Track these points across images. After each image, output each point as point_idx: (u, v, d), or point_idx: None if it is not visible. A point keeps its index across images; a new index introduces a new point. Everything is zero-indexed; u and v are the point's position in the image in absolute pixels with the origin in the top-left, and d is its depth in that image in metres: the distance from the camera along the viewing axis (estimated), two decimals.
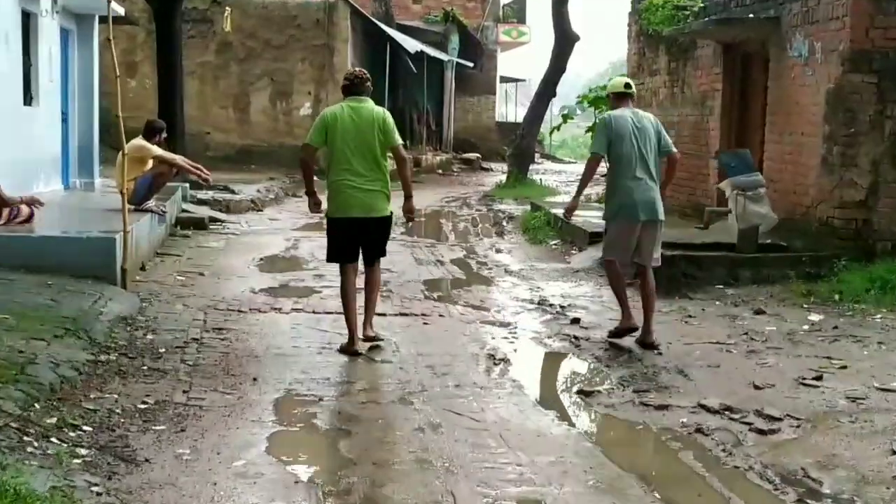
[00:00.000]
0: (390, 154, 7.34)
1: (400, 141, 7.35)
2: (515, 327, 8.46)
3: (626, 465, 5.21)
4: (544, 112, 24.09)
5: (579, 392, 6.47)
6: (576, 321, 8.49)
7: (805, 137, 10.39)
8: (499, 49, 34.01)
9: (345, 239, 7.31)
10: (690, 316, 8.67)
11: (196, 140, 23.70)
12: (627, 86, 7.68)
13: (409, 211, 7.51)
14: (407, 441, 5.41)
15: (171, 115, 17.51)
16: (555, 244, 13.64)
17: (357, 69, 7.47)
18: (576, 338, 7.92)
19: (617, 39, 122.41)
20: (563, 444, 5.46)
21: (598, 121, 7.66)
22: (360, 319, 7.42)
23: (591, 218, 14.14)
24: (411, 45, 25.57)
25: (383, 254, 7.61)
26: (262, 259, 11.89)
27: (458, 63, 29.73)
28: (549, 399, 6.52)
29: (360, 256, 7.49)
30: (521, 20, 34.56)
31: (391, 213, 7.39)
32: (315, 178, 7.87)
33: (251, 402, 5.98)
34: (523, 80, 39.44)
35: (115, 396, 5.88)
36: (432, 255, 12.70)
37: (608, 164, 7.58)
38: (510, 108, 42.62)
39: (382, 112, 7.26)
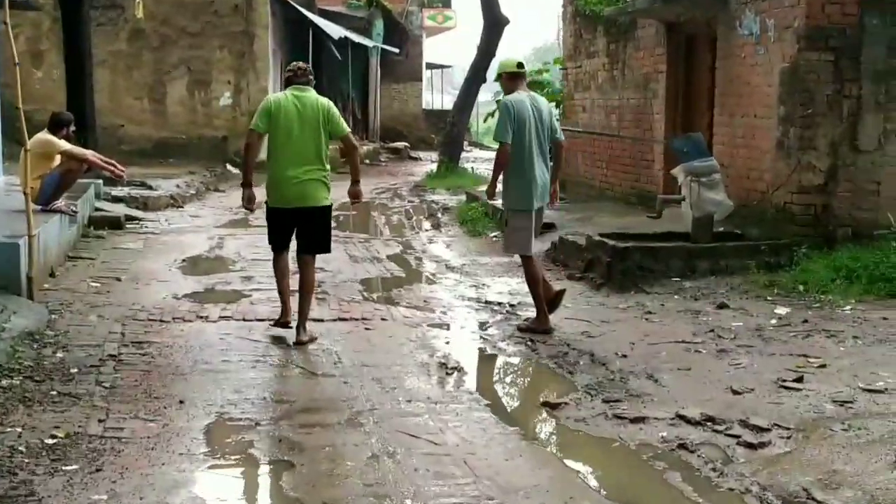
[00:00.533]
0: (335, 143, 7.28)
1: (348, 129, 7.36)
2: (465, 330, 7.83)
3: (610, 492, 4.61)
4: (474, 99, 23.49)
5: (545, 404, 5.85)
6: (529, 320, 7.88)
7: (758, 119, 9.93)
8: (424, 34, 33.30)
9: (283, 228, 7.30)
10: (650, 312, 8.12)
11: (109, 133, 22.68)
12: (520, 65, 7.51)
13: (355, 195, 7.47)
14: (360, 473, 4.72)
15: (80, 106, 16.57)
16: (495, 236, 13.03)
17: (300, 62, 7.43)
18: (531, 341, 7.31)
19: (542, 23, 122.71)
20: (537, 470, 4.84)
21: (499, 106, 7.44)
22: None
23: None
24: (335, 31, 24.74)
25: (326, 249, 7.46)
26: (184, 260, 11.06)
27: (383, 49, 28.96)
28: (512, 414, 5.91)
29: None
30: (447, 4, 33.91)
31: (331, 203, 7.32)
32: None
33: (178, 431, 5.24)
34: (449, 67, 38.82)
35: (19, 430, 5.11)
36: (367, 252, 12.00)
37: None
38: (436, 95, 41.95)
39: (327, 102, 7.22)
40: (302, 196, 7.10)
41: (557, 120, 7.37)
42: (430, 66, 35.61)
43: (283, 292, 7.41)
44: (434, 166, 25.72)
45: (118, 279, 9.59)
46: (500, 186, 7.77)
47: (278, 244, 7.42)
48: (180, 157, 23.12)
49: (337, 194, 7.76)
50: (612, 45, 13.83)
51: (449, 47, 43.09)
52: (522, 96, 7.33)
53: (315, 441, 5.15)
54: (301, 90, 7.15)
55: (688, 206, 9.48)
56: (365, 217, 16.03)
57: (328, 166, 7.22)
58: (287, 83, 7.26)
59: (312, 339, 7.17)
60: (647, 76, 12.68)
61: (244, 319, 7.93)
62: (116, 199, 15.16)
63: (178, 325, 7.67)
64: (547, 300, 7.53)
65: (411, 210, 16.85)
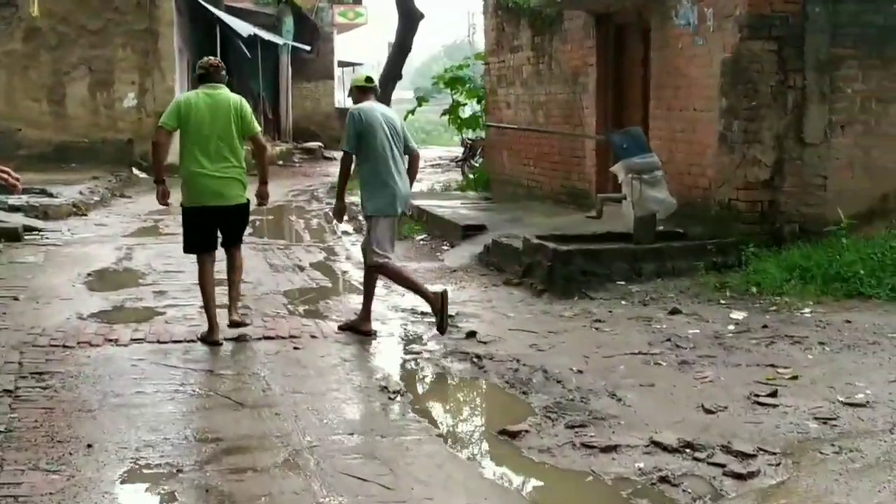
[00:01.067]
0: (247, 144, 7.25)
1: (259, 129, 7.36)
2: (403, 346, 7.21)
3: None
4: (390, 96, 22.79)
5: (503, 433, 5.24)
6: (472, 335, 7.28)
7: (699, 113, 9.52)
8: (335, 31, 32.47)
9: (201, 228, 7.21)
10: (599, 320, 7.60)
11: (5, 137, 21.53)
12: (369, 79, 7.63)
13: (262, 196, 7.44)
14: None
15: None
16: (422, 239, 12.44)
17: (211, 58, 7.34)
18: (477, 357, 6.70)
19: (453, 20, 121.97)
20: None
21: (348, 116, 7.41)
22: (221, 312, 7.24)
23: (458, 209, 13.03)
24: (244, 28, 23.84)
25: (240, 239, 7.50)
26: (89, 275, 10.21)
27: (293, 47, 28.10)
28: (468, 445, 5.31)
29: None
30: (358, 1, 33.14)
31: (248, 200, 7.27)
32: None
33: (87, 484, 4.50)
34: (360, 64, 37.98)
35: None
36: (289, 259, 11.29)
37: (359, 159, 7.30)
38: (345, 93, 41.10)
39: (239, 99, 7.17)
40: (218, 194, 7.04)
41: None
42: (342, 63, 34.79)
43: (209, 302, 7.16)
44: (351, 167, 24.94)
45: (15, 298, 8.73)
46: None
47: (199, 246, 7.29)
48: (83, 161, 22.01)
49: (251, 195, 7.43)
50: (537, 39, 13.34)
51: (360, 44, 42.26)
52: (373, 105, 7.38)
53: (248, 489, 4.46)
54: (213, 88, 7.10)
55: (629, 205, 9.00)
56: (282, 221, 15.28)
57: (243, 163, 7.16)
58: (200, 80, 7.17)
59: (245, 324, 7.24)
60: (575, 70, 12.22)
61: (159, 342, 7.17)
62: (14, 209, 14.15)
63: (84, 351, 6.88)
64: (433, 307, 7.33)
65: (331, 213, 16.12)
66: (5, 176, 10.03)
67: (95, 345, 7.05)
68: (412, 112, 20.29)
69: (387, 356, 6.91)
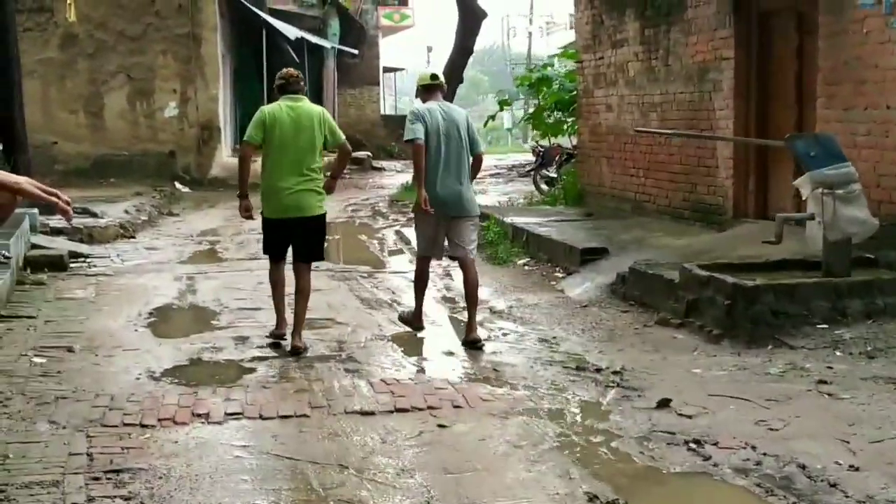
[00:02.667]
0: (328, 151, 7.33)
1: (344, 138, 7.33)
2: (580, 418, 5.53)
3: None
4: (451, 100, 21.19)
5: None
6: (664, 403, 5.60)
7: (893, 112, 7.81)
8: (380, 34, 30.91)
9: (278, 238, 7.31)
10: (823, 381, 5.89)
11: (41, 152, 20.05)
12: (434, 77, 7.55)
13: (330, 187, 7.39)
14: None
15: (8, 123, 13.99)
16: (525, 264, 10.79)
17: (290, 69, 7.35)
18: (696, 442, 5.01)
19: (487, 25, 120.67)
20: None
21: (408, 113, 7.55)
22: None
23: (558, 227, 11.36)
24: (290, 31, 22.32)
25: (321, 257, 7.58)
26: (151, 313, 8.64)
27: (338, 51, 26.55)
28: None
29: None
30: (403, 2, 31.56)
31: (325, 211, 7.32)
32: None
33: None
34: (402, 70, 36.50)
35: None
36: (379, 291, 9.68)
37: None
38: (388, 100, 39.57)
39: (321, 110, 7.24)
40: (297, 206, 7.09)
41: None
42: (386, 69, 33.22)
43: (279, 303, 7.41)
44: (404, 177, 23.57)
45: (70, 349, 7.16)
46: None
47: (275, 254, 7.42)
48: (122, 176, 20.60)
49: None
50: (648, 31, 11.67)
51: (400, 49, 40.72)
52: (432, 105, 7.29)
53: None
54: (294, 99, 7.12)
55: (817, 226, 7.30)
56: (353, 241, 13.67)
57: (321, 175, 7.22)
58: (279, 91, 7.19)
59: (306, 348, 7.09)
60: (703, 65, 10.53)
61: (261, 417, 5.55)
62: (56, 232, 12.65)
63: (169, 433, 5.27)
64: (410, 325, 7.61)
65: (403, 231, 14.47)
66: (55, 200, 8.48)
67: (181, 422, 5.44)
68: (493, 118, 18.81)
69: (565, 438, 5.24)
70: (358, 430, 5.31)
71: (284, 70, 7.32)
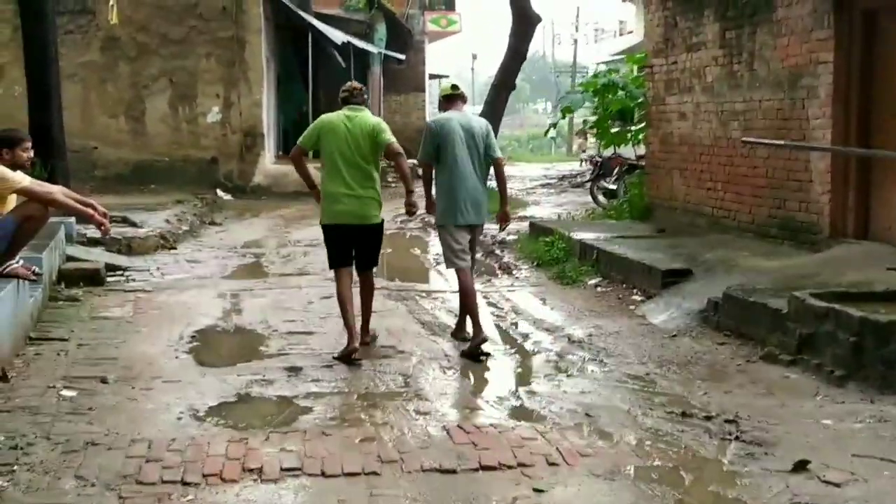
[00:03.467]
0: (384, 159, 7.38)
1: (392, 139, 7.22)
2: (704, 491, 4.63)
3: None
4: (503, 108, 20.42)
5: None
6: (802, 465, 4.70)
7: None
8: (426, 40, 30.12)
9: (338, 245, 7.34)
10: None
11: (80, 157, 19.51)
12: (455, 87, 7.72)
13: (410, 205, 7.41)
14: None
15: (45, 126, 13.31)
16: (597, 284, 9.92)
17: (354, 82, 7.54)
18: None
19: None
20: None
21: (425, 127, 7.68)
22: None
23: (629, 245, 10.48)
24: (337, 36, 21.59)
25: (376, 262, 7.59)
26: (193, 336, 7.88)
27: (384, 57, 25.80)
28: None
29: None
30: (450, 7, 30.73)
31: (382, 220, 7.40)
32: None
33: None
34: (446, 77, 35.67)
35: None
36: (439, 313, 8.84)
37: (436, 169, 7.45)
38: (429, 107, 38.70)
39: (378, 120, 7.36)
40: (353, 214, 7.18)
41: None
42: (431, 76, 32.42)
43: (348, 316, 7.24)
44: None
45: (103, 380, 6.40)
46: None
47: (336, 261, 7.40)
48: (163, 182, 20.02)
49: None
50: (730, 33, 10.76)
51: (444, 55, 39.92)
52: (451, 115, 7.41)
53: None
54: (355, 110, 7.22)
55: None
56: (407, 256, 12.86)
57: (378, 185, 7.28)
58: (343, 102, 7.30)
59: (374, 338, 7.52)
60: (795, 69, 9.61)
61: (323, 474, 4.73)
62: (93, 242, 11.98)
63: (216, 495, 4.47)
64: (474, 340, 7.19)
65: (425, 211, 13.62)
66: (90, 212, 7.74)
67: (230, 480, 4.62)
68: (554, 126, 17.99)
69: None
70: (439, 493, 4.47)
71: (349, 83, 7.48)
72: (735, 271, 8.85)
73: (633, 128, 14.19)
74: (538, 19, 19.37)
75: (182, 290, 9.96)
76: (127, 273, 10.87)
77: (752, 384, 6.26)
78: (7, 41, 19.62)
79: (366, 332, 7.42)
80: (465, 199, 7.31)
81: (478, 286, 10.30)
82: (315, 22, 21.34)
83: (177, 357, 7.23)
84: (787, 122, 9.76)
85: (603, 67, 44.56)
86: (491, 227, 14.94)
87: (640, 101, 13.74)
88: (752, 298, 7.33)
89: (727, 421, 5.45)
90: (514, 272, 11.07)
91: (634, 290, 9.32)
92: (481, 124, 7.54)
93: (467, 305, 7.40)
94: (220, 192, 20.14)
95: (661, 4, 12.29)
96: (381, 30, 25.44)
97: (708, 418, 5.52)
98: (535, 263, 11.33)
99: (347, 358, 6.94)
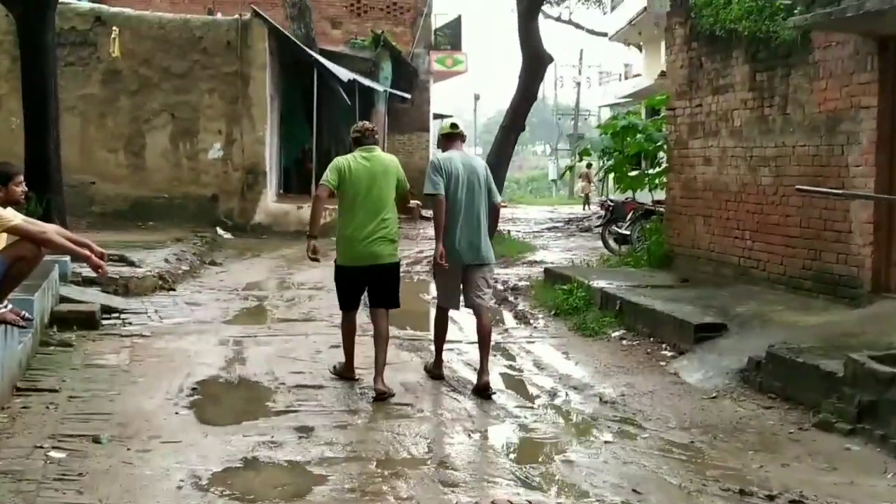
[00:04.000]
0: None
1: (409, 187, 7.46)
2: None
3: None
4: (512, 149, 19.97)
5: None
6: None
7: None
8: (431, 80, 29.76)
9: (352, 286, 7.36)
10: None
11: (77, 192, 19.06)
12: (454, 126, 7.61)
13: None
14: None
15: (42, 160, 12.85)
16: (621, 337, 9.37)
17: (366, 122, 7.60)
18: None
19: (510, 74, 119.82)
20: None
21: (429, 164, 7.55)
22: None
23: (653, 295, 9.95)
24: (342, 73, 21.18)
25: (397, 303, 7.48)
26: (194, 389, 7.32)
27: (389, 96, 25.40)
28: None
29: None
30: (456, 46, 30.40)
31: (399, 259, 7.42)
32: None
33: None
34: (450, 116, 35.41)
35: None
36: (457, 365, 8.27)
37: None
38: (431, 147, 38.36)
39: (394, 159, 7.41)
40: (372, 255, 7.17)
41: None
42: (434, 115, 32.04)
43: (350, 349, 7.46)
44: None
45: (96, 440, 5.82)
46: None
47: (349, 303, 7.45)
48: (162, 219, 19.49)
49: None
50: (761, 75, 10.30)
51: (445, 95, 39.61)
52: (453, 154, 7.39)
53: None
54: (368, 150, 7.26)
55: None
56: (416, 302, 12.29)
57: (396, 225, 7.35)
58: (355, 143, 7.33)
59: (392, 394, 7.07)
60: (834, 115, 9.14)
61: None
62: (89, 282, 11.40)
63: None
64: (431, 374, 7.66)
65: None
66: (87, 253, 7.17)
67: None
68: (570, 169, 17.58)
69: None
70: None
71: (360, 123, 7.51)
72: (771, 327, 8.32)
73: (650, 171, 13.70)
74: (550, 59, 19.01)
75: (182, 336, 9.39)
76: (123, 316, 10.31)
77: (810, 456, 5.70)
78: (5, 72, 19.21)
79: (380, 379, 7.11)
80: (461, 240, 7.25)
81: (495, 336, 9.78)
82: (320, 59, 20.92)
83: (177, 413, 6.66)
84: (823, 168, 9.27)
85: (607, 111, 44.49)
86: (501, 273, 14.60)
87: (659, 144, 13.28)
88: (800, 359, 6.78)
89: (792, 502, 4.89)
90: (531, 322, 10.51)
91: (663, 345, 8.77)
92: (483, 165, 7.56)
93: (437, 341, 7.68)
94: (220, 231, 19.60)
95: (686, 45, 11.84)
96: (387, 68, 25.04)
97: (770, 498, 4.97)
98: (552, 312, 10.79)
99: (344, 378, 7.37)
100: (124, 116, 20.10)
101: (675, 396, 7.20)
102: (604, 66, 50.52)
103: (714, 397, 7.13)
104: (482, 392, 7.08)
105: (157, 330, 9.68)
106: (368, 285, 7.29)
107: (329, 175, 7.15)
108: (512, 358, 8.75)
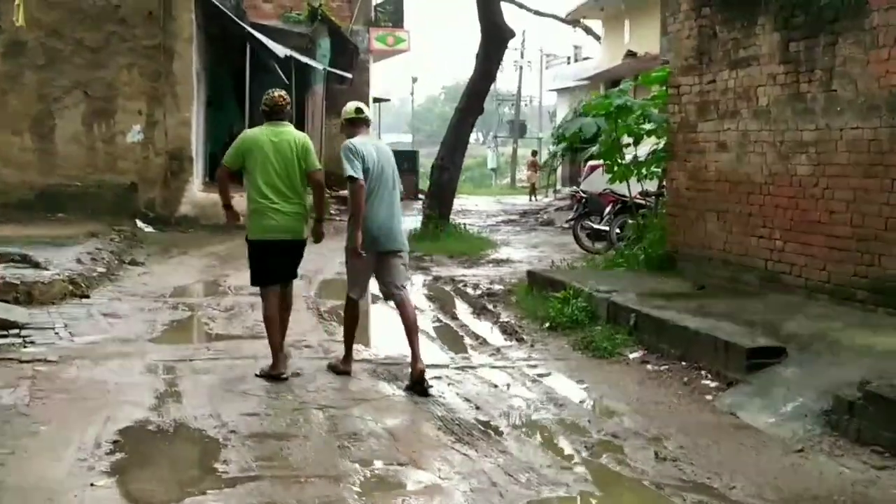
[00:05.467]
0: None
1: (318, 166, 7.33)
2: None
3: None
4: (469, 133, 18.24)
5: None
6: None
7: None
8: (371, 59, 27.78)
9: (266, 261, 7.20)
10: None
11: None
12: (359, 111, 7.24)
13: (318, 234, 7.39)
14: None
15: None
16: (642, 359, 7.72)
17: (276, 92, 7.26)
18: None
19: (449, 59, 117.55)
20: None
21: (343, 149, 6.93)
22: None
23: (673, 308, 8.32)
24: (278, 49, 19.19)
25: (295, 275, 7.49)
26: (115, 443, 5.52)
27: (328, 76, 23.35)
28: None
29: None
30: (398, 24, 28.45)
31: (306, 237, 7.32)
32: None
33: None
34: (387, 100, 33.44)
35: None
36: (458, 404, 6.51)
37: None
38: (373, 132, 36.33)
39: (304, 137, 7.29)
40: (282, 228, 7.09)
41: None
42: (375, 99, 30.09)
43: (275, 335, 7.20)
44: (407, 220, 20.73)
45: None
46: None
47: (266, 278, 7.25)
48: (74, 211, 17.36)
49: None
50: (795, 45, 8.71)
51: (381, 78, 37.48)
52: (365, 140, 7.13)
53: None
54: (277, 125, 7.16)
55: None
56: (383, 317, 10.45)
57: (305, 200, 7.24)
58: (265, 116, 7.20)
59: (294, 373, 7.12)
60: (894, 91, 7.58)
61: None
62: None
63: None
64: (336, 370, 7.26)
65: (438, 298, 11.29)
66: None
67: None
68: (555, 156, 15.94)
69: None
70: None
71: (269, 95, 7.24)
72: (841, 351, 6.73)
73: (639, 157, 12.03)
74: (511, 34, 17.32)
75: (98, 361, 7.47)
76: (24, 333, 8.36)
77: None
78: None
79: (281, 347, 7.18)
80: (375, 226, 7.00)
81: (486, 358, 8.06)
82: (254, 32, 18.88)
83: (92, 485, 4.82)
84: (884, 156, 7.71)
85: (554, 96, 42.88)
86: (468, 275, 12.89)
87: (651, 128, 11.64)
88: None
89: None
90: (523, 338, 8.78)
91: (702, 372, 7.12)
92: (390, 151, 7.37)
93: (347, 335, 7.36)
94: (140, 224, 17.50)
95: (695, 12, 10.20)
96: (325, 45, 23.00)
97: None
98: (545, 325, 9.08)
99: (274, 379, 6.94)
100: (30, 94, 17.87)
101: (750, 449, 5.55)
102: (547, 50, 49.07)
103: (801, 451, 5.49)
104: (418, 383, 6.68)
105: (67, 352, 7.74)
106: (278, 261, 7.17)
107: (229, 155, 7.14)
108: (517, 388, 7.02)
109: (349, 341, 7.34)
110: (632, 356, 7.82)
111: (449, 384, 7.04)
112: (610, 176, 11.97)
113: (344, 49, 24.03)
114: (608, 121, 11.45)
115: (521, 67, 47.33)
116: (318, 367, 7.44)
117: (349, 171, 6.84)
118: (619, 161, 11.92)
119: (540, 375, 7.39)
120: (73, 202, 17.56)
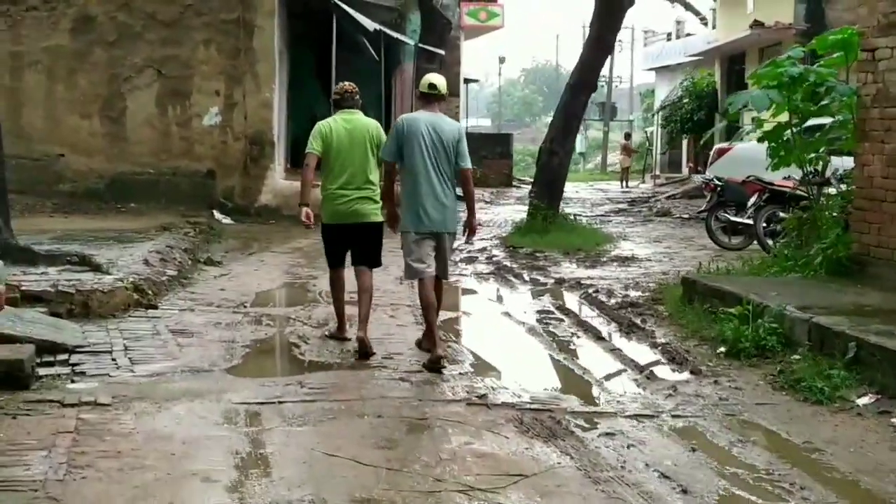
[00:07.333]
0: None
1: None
2: None
3: None
4: (582, 111, 16.30)
5: None
6: None
7: None
8: (462, 36, 25.91)
9: (337, 244, 7.52)
10: None
11: (42, 167, 15.77)
12: (432, 86, 7.11)
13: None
14: None
15: None
16: (879, 407, 5.75)
17: (346, 83, 7.58)
18: None
19: (529, 43, 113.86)
20: None
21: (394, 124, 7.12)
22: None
23: (848, 316, 6.28)
24: (367, 22, 17.46)
25: (377, 263, 7.58)
26: None
27: (418, 52, 21.59)
28: None
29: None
30: None
31: (382, 220, 7.44)
32: None
33: None
34: (476, 81, 31.58)
35: None
36: (632, 478, 4.64)
37: (401, 172, 7.12)
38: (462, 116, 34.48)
39: (376, 125, 7.49)
40: (354, 213, 7.33)
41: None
42: (466, 80, 28.17)
43: (340, 306, 7.63)
44: (501, 209, 18.96)
45: None
46: None
47: (334, 260, 7.60)
48: (146, 200, 16.02)
49: None
50: None
51: (467, 58, 35.43)
52: (420, 116, 7.11)
53: None
54: (349, 114, 7.39)
55: None
56: (497, 330, 8.61)
57: (378, 186, 7.39)
58: (335, 106, 7.52)
59: (373, 352, 7.09)
60: None
61: None
62: (29, 298, 7.91)
63: None
64: (430, 358, 6.81)
65: (565, 308, 9.41)
66: None
67: None
68: (711, 134, 14.06)
69: None
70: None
71: (340, 84, 7.61)
72: None
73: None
74: (631, 2, 15.28)
75: (161, 405, 5.78)
76: (74, 359, 6.72)
77: None
78: None
79: (363, 328, 7.16)
80: (429, 207, 6.94)
81: (661, 400, 6.15)
82: (342, 4, 17.14)
83: None
84: None
85: (653, 76, 40.58)
86: (595, 277, 11.04)
87: (826, 103, 9.55)
88: None
89: None
90: (699, 367, 6.84)
91: None
92: (453, 129, 7.14)
93: (426, 318, 7.06)
94: (217, 215, 16.00)
95: None
96: (415, 20, 21.20)
97: None
98: (721, 351, 7.15)
99: (339, 339, 7.46)
100: (100, 74, 16.55)
101: None
102: (640, 27, 46.71)
103: None
104: (434, 366, 6.68)
105: (123, 390, 6.07)
106: (352, 244, 7.43)
107: (312, 142, 7.30)
108: (722, 451, 5.11)
109: (430, 325, 7.01)
110: (859, 402, 5.86)
111: (629, 445, 5.16)
112: (775, 161, 9.92)
113: (434, 25, 22.20)
114: (781, 92, 9.40)
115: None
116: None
117: (383, 155, 7.16)
118: (784, 143, 9.85)
119: (745, 426, 5.49)
120: (144, 191, 16.20)
